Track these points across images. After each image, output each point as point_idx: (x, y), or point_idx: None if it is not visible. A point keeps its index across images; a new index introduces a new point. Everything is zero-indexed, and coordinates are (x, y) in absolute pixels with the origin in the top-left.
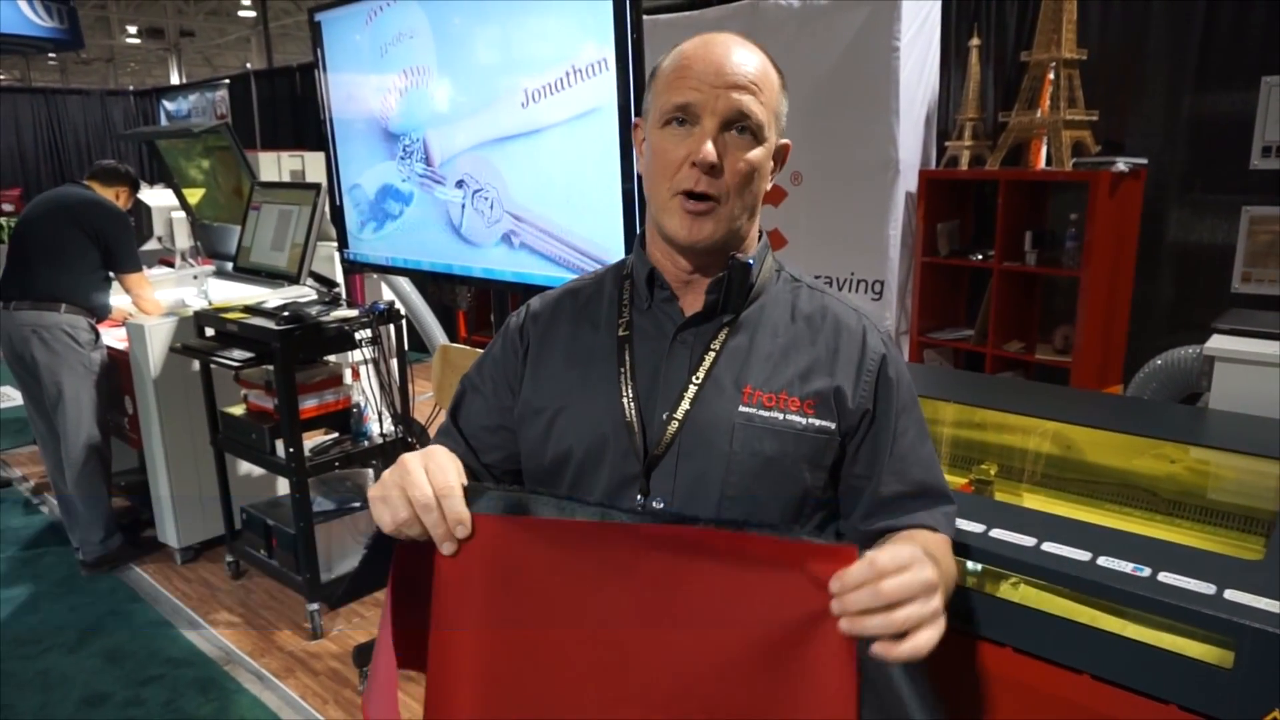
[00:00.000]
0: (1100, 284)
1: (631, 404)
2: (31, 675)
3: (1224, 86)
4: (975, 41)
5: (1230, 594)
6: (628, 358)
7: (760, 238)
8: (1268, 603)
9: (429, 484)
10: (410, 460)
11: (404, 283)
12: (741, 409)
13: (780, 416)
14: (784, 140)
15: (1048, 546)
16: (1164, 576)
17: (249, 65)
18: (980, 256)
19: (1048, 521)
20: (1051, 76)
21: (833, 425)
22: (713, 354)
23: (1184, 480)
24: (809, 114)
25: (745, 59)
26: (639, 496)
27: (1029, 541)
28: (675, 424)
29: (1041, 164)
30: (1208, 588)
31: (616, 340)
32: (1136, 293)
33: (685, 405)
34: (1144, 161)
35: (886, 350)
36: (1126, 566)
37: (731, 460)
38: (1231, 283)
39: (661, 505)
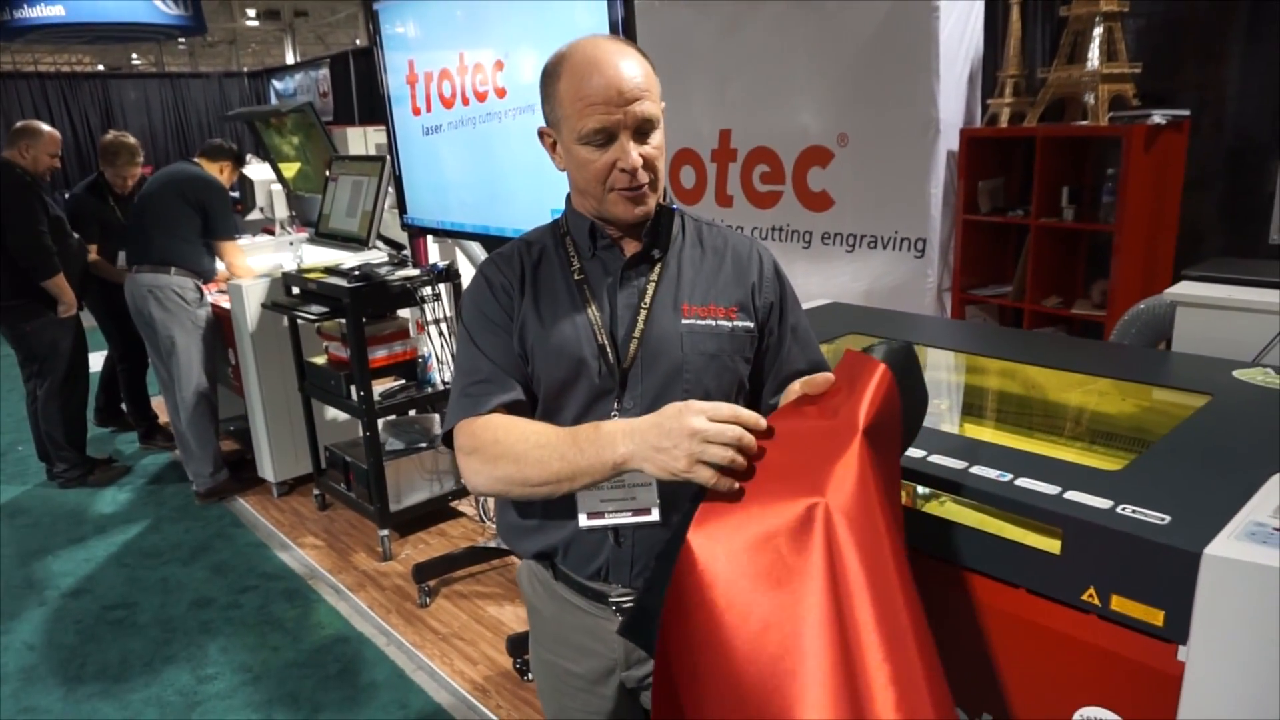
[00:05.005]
0: (1136, 237)
1: (602, 330)
2: (154, 581)
3: (1270, 37)
4: None
5: (1070, 494)
6: (588, 294)
7: (665, 192)
8: (1095, 500)
9: (710, 417)
10: (681, 414)
11: (475, 246)
12: (684, 321)
13: (714, 323)
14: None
15: (933, 458)
16: (1021, 481)
17: (358, 41)
18: (1022, 213)
19: (943, 439)
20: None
21: (751, 324)
22: (654, 284)
23: (1094, 409)
24: (854, 77)
25: (632, 69)
26: (615, 403)
27: (918, 454)
28: (635, 342)
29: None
30: (1053, 489)
31: (574, 283)
32: (1181, 245)
33: (640, 325)
34: (1186, 113)
35: (774, 259)
36: (993, 473)
37: (685, 362)
38: (1270, 234)
39: (632, 405)
